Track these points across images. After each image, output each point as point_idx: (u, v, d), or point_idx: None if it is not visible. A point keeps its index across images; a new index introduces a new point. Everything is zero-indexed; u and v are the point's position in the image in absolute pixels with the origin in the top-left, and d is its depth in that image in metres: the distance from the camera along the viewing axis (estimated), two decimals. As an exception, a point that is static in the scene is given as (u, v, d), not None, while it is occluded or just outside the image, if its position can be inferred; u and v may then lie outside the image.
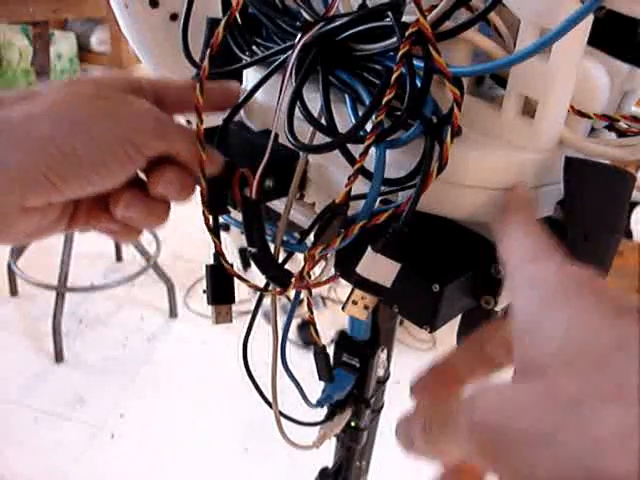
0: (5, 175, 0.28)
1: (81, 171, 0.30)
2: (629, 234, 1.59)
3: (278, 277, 0.35)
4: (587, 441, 0.18)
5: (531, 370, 0.21)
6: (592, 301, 0.22)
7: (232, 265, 0.37)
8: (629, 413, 0.18)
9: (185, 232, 2.06)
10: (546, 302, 0.23)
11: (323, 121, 0.32)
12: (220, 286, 0.38)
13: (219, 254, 0.36)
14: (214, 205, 0.35)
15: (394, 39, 0.29)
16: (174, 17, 0.51)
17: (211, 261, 0.37)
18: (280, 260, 0.36)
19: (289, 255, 0.38)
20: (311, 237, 0.33)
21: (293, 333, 1.68)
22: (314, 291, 0.37)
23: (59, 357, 1.61)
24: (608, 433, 0.18)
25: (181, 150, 0.33)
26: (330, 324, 1.58)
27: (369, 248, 0.30)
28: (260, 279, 0.36)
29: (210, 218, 0.35)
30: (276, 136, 0.33)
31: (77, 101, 0.31)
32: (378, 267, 0.30)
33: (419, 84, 0.28)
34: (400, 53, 0.28)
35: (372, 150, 0.29)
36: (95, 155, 0.30)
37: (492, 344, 0.28)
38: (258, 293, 0.39)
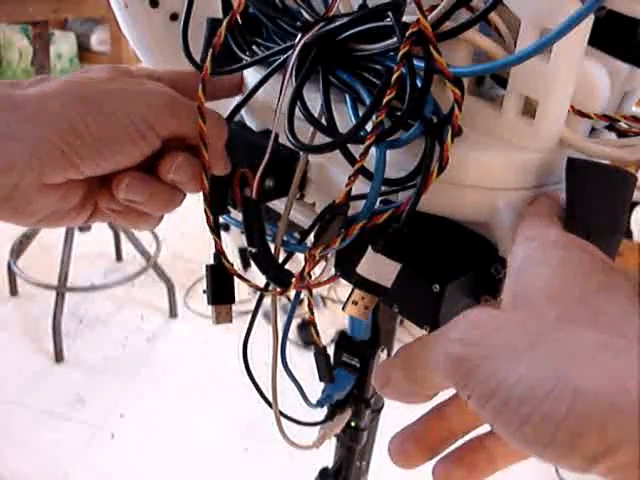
0: (22, 148, 0.29)
1: (94, 147, 0.30)
2: (629, 234, 1.59)
3: (278, 277, 0.35)
4: (561, 353, 0.19)
5: (519, 303, 0.23)
6: (584, 255, 0.24)
7: (232, 264, 0.37)
8: (604, 335, 0.19)
9: (185, 232, 2.06)
10: (541, 249, 0.25)
11: (323, 121, 0.32)
12: (220, 286, 0.37)
13: (220, 253, 0.36)
14: (216, 205, 0.35)
15: (394, 39, 0.29)
16: (174, 17, 0.51)
17: (211, 261, 0.37)
18: (280, 260, 0.36)
19: (289, 255, 0.38)
20: (311, 237, 0.33)
21: (293, 333, 1.68)
22: (314, 291, 0.37)
23: (59, 357, 1.61)
24: (582, 348, 0.19)
25: (195, 130, 0.33)
26: (330, 324, 1.58)
27: (369, 248, 0.29)
28: (260, 279, 0.36)
29: (212, 217, 0.35)
30: (276, 136, 0.33)
31: (90, 82, 0.32)
32: (378, 267, 0.30)
33: (419, 84, 0.28)
34: (400, 53, 0.28)
35: (372, 150, 0.29)
36: (107, 132, 0.30)
37: None
38: (258, 293, 0.39)
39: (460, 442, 0.28)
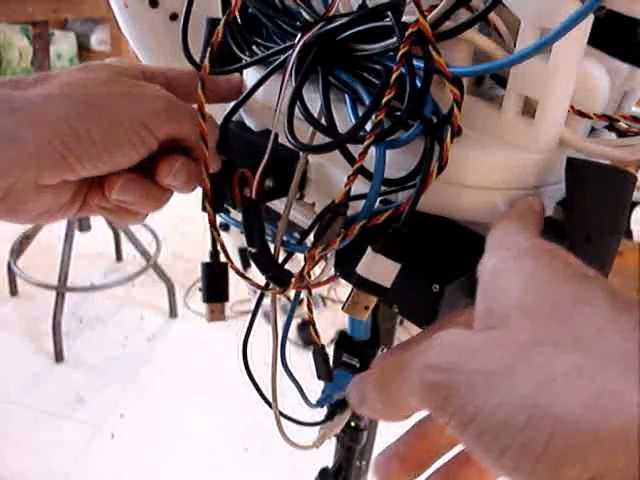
0: (23, 151, 0.29)
1: (94, 151, 0.31)
2: (629, 234, 1.59)
3: (278, 277, 0.35)
4: (537, 380, 0.18)
5: (493, 321, 0.22)
6: (555, 262, 0.23)
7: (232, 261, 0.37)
8: (581, 357, 0.18)
9: (185, 232, 2.06)
10: (510, 259, 0.24)
11: (323, 121, 0.32)
12: (215, 284, 0.38)
13: (219, 251, 0.36)
14: (216, 203, 0.35)
15: (394, 39, 0.29)
16: (174, 17, 0.51)
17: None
18: (280, 260, 0.36)
19: (289, 255, 0.38)
20: (311, 237, 0.33)
21: (293, 333, 1.68)
22: (314, 291, 0.37)
23: (59, 357, 1.61)
24: (558, 373, 0.18)
25: (191, 133, 0.33)
26: (330, 324, 1.58)
27: (369, 248, 0.29)
28: (260, 279, 0.36)
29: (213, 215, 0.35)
30: (276, 136, 0.33)
31: (92, 84, 0.32)
32: (378, 267, 0.29)
33: (419, 84, 0.28)
34: (400, 53, 0.28)
35: (372, 150, 0.29)
36: (108, 136, 0.31)
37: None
38: (258, 293, 0.39)
39: (448, 456, 0.28)
